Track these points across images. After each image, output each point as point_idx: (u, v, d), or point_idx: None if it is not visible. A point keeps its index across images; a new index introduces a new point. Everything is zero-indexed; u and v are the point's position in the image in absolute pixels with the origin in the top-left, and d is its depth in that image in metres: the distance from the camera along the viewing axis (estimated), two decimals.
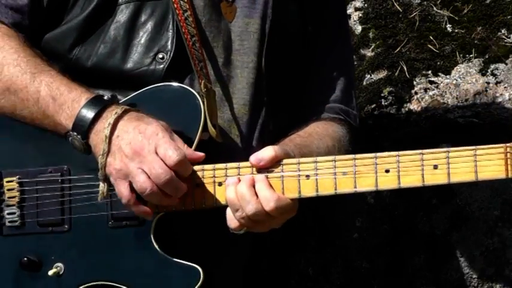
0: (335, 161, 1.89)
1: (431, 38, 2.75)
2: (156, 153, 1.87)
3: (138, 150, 1.87)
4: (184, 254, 1.96)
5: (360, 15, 2.90)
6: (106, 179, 1.91)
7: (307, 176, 1.89)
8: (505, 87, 2.61)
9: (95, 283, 1.98)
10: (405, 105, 2.68)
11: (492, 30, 2.68)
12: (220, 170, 1.93)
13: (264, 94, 2.13)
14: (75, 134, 1.92)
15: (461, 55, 2.68)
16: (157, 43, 2.06)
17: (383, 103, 2.68)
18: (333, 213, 2.60)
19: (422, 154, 1.85)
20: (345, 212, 2.58)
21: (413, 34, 2.78)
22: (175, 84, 2.00)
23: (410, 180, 1.85)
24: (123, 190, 1.89)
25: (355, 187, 1.87)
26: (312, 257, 2.62)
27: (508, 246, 2.45)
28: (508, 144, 1.82)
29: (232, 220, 1.90)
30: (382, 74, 2.75)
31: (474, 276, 2.48)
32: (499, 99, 2.61)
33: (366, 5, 2.90)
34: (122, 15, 2.07)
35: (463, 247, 2.48)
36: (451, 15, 2.77)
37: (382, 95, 2.69)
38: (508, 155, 1.81)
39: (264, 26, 2.13)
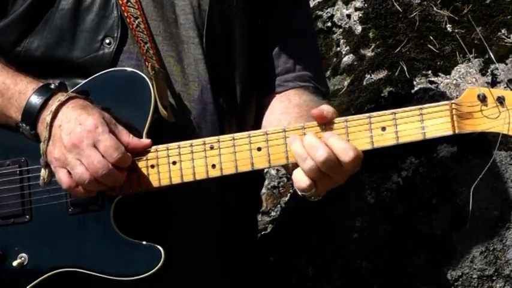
0: (284, 131, 1.92)
1: (431, 38, 2.74)
2: (95, 147, 1.87)
3: (77, 143, 1.87)
4: (145, 234, 1.98)
5: (360, 15, 2.90)
6: (47, 165, 1.93)
7: (259, 149, 1.93)
8: (504, 87, 2.61)
9: (59, 270, 2.00)
10: (405, 105, 2.67)
11: (492, 30, 2.68)
12: (173, 149, 1.96)
13: (212, 70, 2.12)
14: (24, 125, 1.94)
15: (461, 55, 2.68)
16: (103, 28, 2.04)
17: (383, 103, 2.68)
18: (333, 213, 2.60)
19: (370, 117, 1.88)
20: (345, 212, 2.58)
21: (413, 34, 2.78)
22: (123, 68, 2.01)
23: (360, 143, 1.87)
24: (62, 177, 1.91)
25: None
26: (312, 257, 2.61)
27: (508, 246, 2.45)
28: (453, 101, 1.84)
29: (302, 179, 1.89)
30: (382, 74, 2.75)
31: (474, 276, 2.48)
32: None
33: (366, 5, 2.90)
34: (66, 1, 2.05)
35: (463, 247, 2.48)
36: (451, 15, 2.77)
37: (382, 95, 2.69)
38: (454, 111, 1.82)
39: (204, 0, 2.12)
